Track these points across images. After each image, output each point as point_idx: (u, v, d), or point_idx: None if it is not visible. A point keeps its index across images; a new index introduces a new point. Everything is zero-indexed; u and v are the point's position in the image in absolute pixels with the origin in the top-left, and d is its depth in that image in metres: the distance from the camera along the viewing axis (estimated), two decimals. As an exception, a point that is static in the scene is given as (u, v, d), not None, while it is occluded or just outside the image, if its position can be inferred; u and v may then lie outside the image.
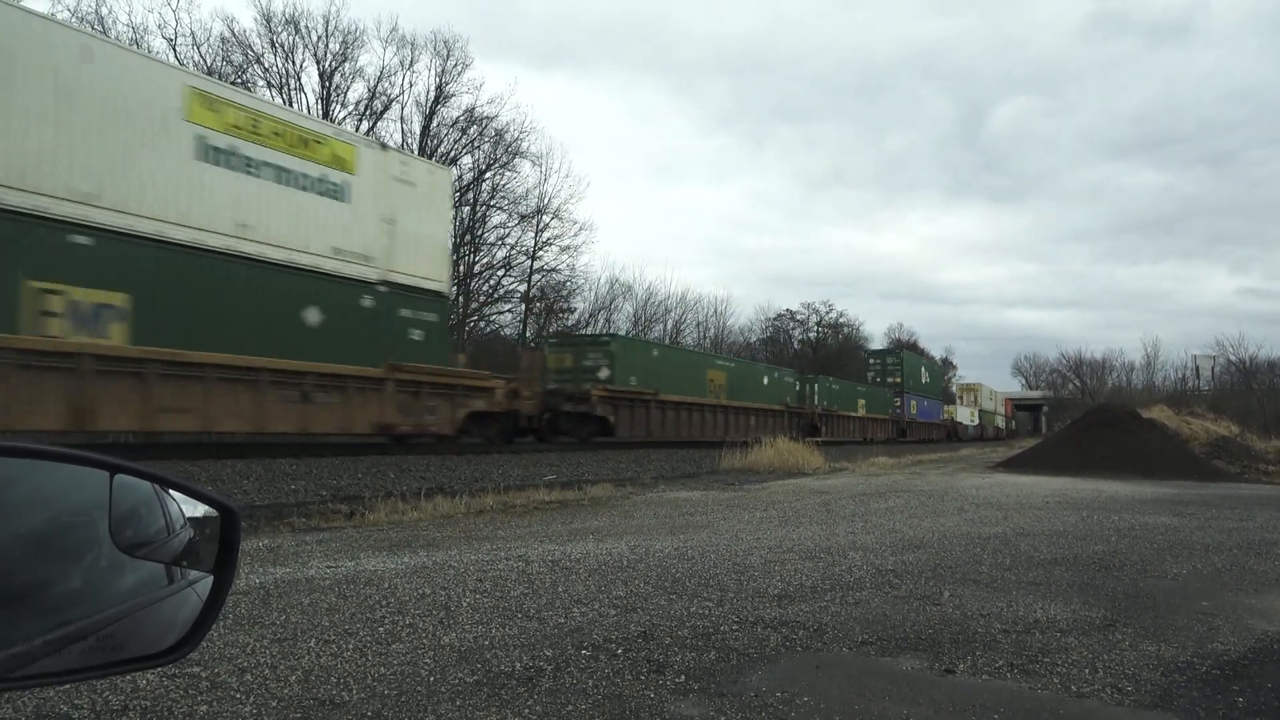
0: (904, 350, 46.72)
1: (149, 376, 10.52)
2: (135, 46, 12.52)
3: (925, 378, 45.79)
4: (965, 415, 54.58)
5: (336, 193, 13.06)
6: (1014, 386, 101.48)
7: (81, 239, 10.01)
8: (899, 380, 41.09)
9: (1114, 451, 18.47)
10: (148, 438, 11.82)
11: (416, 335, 14.33)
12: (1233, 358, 50.59)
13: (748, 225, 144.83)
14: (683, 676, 3.24)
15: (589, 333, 34.86)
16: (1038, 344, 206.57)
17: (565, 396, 20.08)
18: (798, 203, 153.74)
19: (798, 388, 33.12)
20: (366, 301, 13.50)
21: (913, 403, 41.97)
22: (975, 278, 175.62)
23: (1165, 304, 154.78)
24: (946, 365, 71.79)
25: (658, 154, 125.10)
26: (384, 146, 14.87)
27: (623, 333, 37.20)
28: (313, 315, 12.63)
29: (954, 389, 57.80)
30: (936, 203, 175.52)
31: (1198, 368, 57.94)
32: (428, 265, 14.71)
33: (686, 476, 15.79)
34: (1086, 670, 3.40)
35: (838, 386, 36.68)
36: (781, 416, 30.80)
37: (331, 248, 12.96)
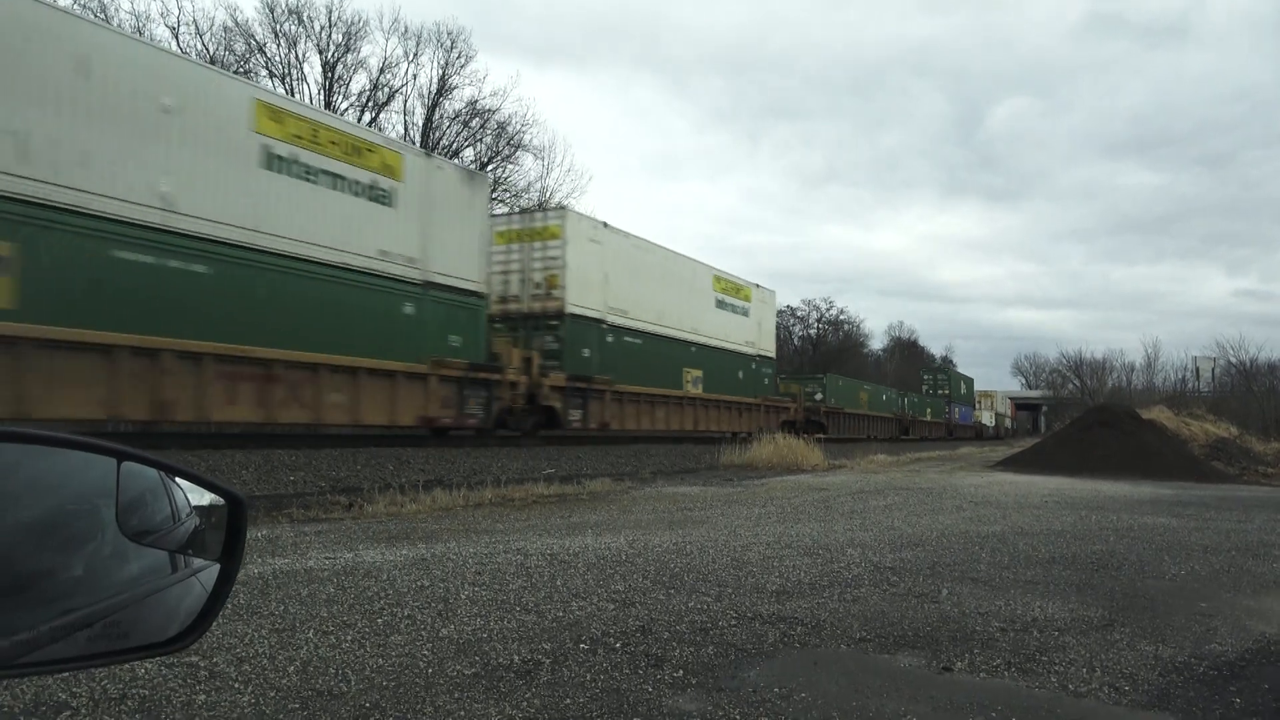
0: (949, 369, 61.26)
1: (708, 406, 23.46)
2: (677, 249, 23.55)
3: (963, 389, 58.88)
4: (987, 418, 65.97)
5: (745, 311, 26.10)
6: (1013, 386, 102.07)
7: (693, 349, 22.55)
8: (947, 393, 54.54)
9: (1113, 452, 18.47)
10: (145, 427, 11.86)
11: (766, 380, 27.65)
12: (1233, 359, 50.53)
13: (744, 222, 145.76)
14: (681, 671, 3.24)
15: (807, 372, 49.69)
16: (1036, 343, 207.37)
17: (809, 410, 32.82)
18: (793, 200, 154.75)
19: (899, 401, 47.39)
20: (753, 365, 26.54)
21: (956, 409, 54.65)
22: (972, 276, 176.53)
23: (1162, 305, 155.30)
24: (947, 364, 72.85)
25: (654, 151, 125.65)
26: (757, 286, 27.30)
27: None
28: (741, 374, 25.65)
29: (974, 395, 67.43)
30: (932, 200, 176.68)
31: (1198, 369, 57.94)
32: (770, 344, 28.26)
33: (685, 472, 15.80)
34: (1084, 669, 3.40)
35: (917, 400, 50.28)
36: (891, 422, 45.25)
37: (745, 340, 25.90)
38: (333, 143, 12.59)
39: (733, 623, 4.01)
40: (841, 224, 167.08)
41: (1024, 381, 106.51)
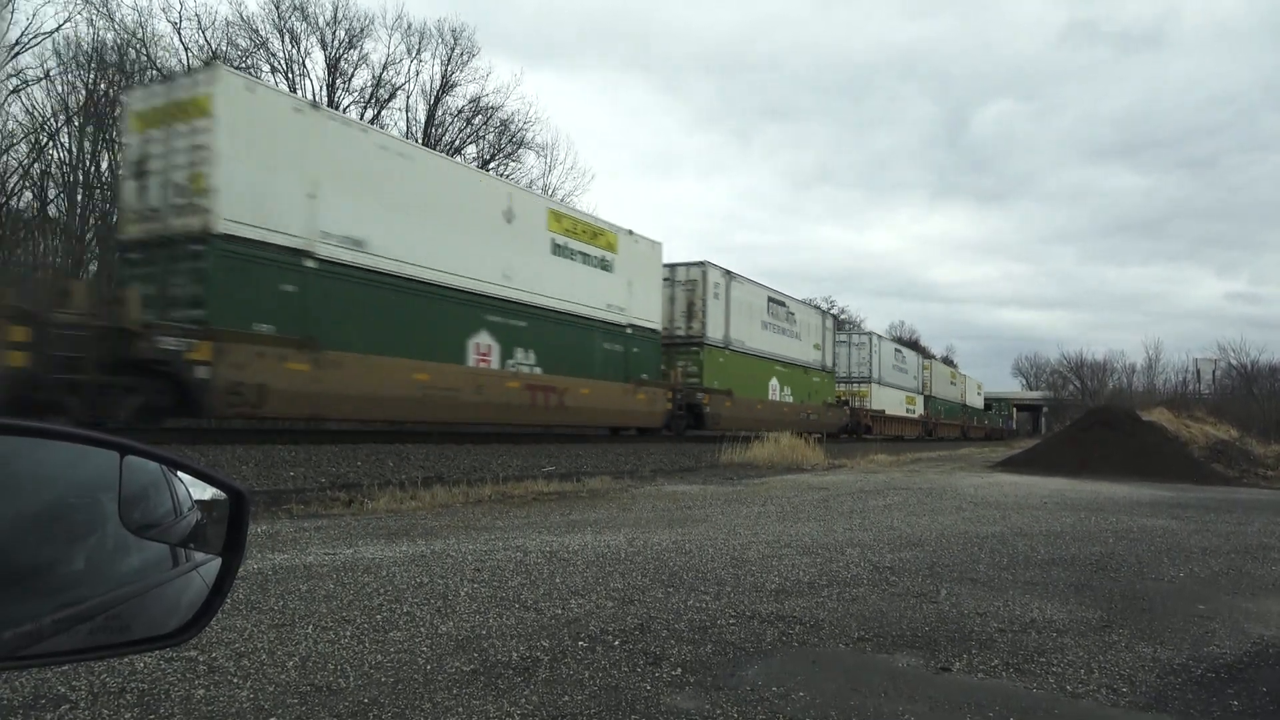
0: (1008, 399, 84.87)
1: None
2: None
3: (1010, 408, 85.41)
4: (1012, 422, 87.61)
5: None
6: (1014, 386, 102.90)
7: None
8: (1007, 414, 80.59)
9: (1113, 453, 18.47)
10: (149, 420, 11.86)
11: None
12: (1234, 362, 50.65)
13: (738, 221, 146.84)
14: (679, 669, 3.25)
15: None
16: (1032, 344, 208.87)
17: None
18: (786, 200, 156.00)
19: (990, 411, 68.90)
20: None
21: (1005, 420, 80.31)
22: (966, 276, 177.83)
23: (1155, 306, 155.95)
24: (948, 364, 73.76)
25: (646, 150, 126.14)
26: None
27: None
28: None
29: (1009, 407, 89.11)
30: (923, 202, 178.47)
31: (1199, 371, 58.13)
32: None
33: (685, 470, 15.79)
34: (1082, 670, 3.41)
35: (997, 414, 73.39)
36: (957, 427, 55.21)
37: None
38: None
39: (731, 621, 4.01)
40: (834, 224, 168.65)
41: (1024, 382, 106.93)
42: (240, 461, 10.15)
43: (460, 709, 2.75)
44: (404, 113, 36.10)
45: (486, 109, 36.23)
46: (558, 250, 17.48)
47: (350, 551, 5.59)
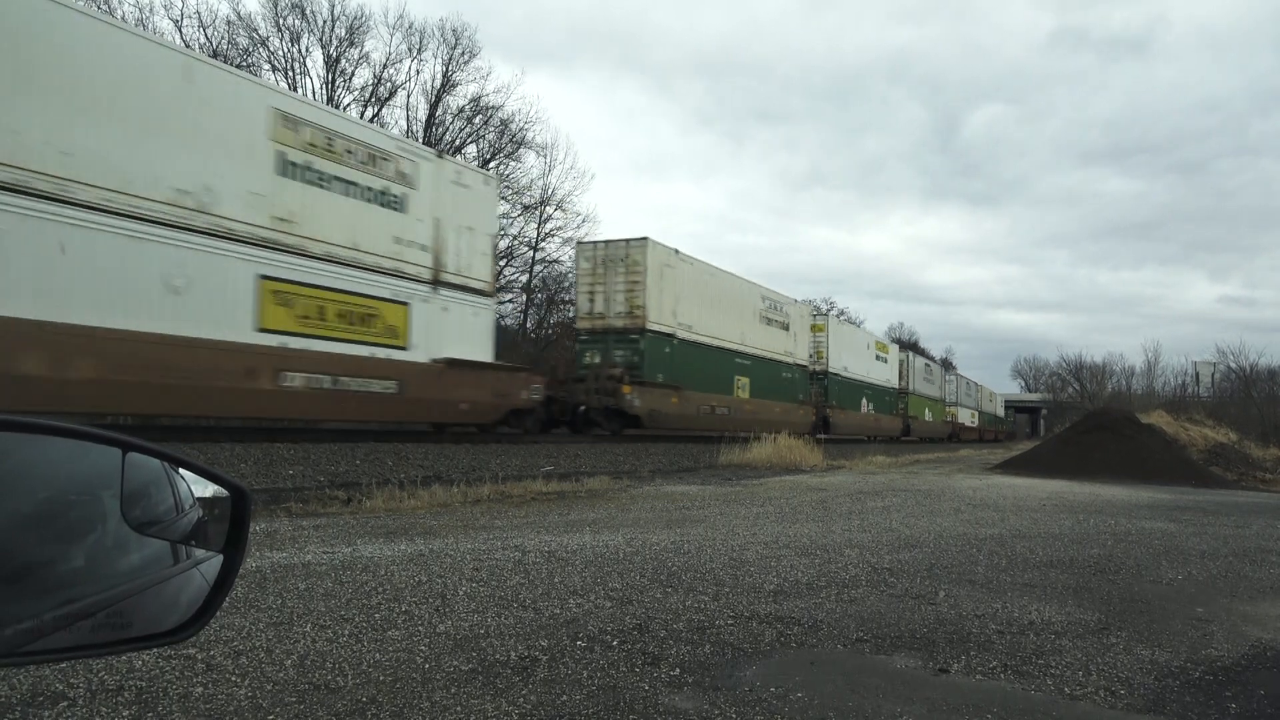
0: (1015, 407, 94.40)
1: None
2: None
3: (1012, 412, 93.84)
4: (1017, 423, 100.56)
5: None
6: (1014, 389, 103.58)
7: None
8: (1011, 417, 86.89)
9: (1111, 456, 18.48)
10: (145, 420, 11.87)
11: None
12: (1233, 365, 50.71)
13: (732, 223, 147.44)
14: (677, 669, 3.25)
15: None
16: (1029, 346, 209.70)
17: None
18: (780, 202, 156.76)
19: (1005, 415, 77.49)
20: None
21: (1014, 425, 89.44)
22: (960, 279, 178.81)
23: (1149, 309, 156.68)
24: (947, 365, 73.78)
25: (640, 152, 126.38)
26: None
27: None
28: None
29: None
30: (915, 204, 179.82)
31: (1197, 374, 58.19)
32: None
33: (684, 471, 15.79)
34: (1080, 673, 3.41)
35: (1007, 418, 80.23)
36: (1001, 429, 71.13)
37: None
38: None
39: (730, 622, 4.01)
40: (828, 226, 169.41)
41: (1024, 384, 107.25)
42: (239, 460, 10.14)
43: (458, 708, 2.75)
44: (404, 111, 36.07)
45: (487, 108, 36.22)
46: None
47: (349, 550, 5.59)
